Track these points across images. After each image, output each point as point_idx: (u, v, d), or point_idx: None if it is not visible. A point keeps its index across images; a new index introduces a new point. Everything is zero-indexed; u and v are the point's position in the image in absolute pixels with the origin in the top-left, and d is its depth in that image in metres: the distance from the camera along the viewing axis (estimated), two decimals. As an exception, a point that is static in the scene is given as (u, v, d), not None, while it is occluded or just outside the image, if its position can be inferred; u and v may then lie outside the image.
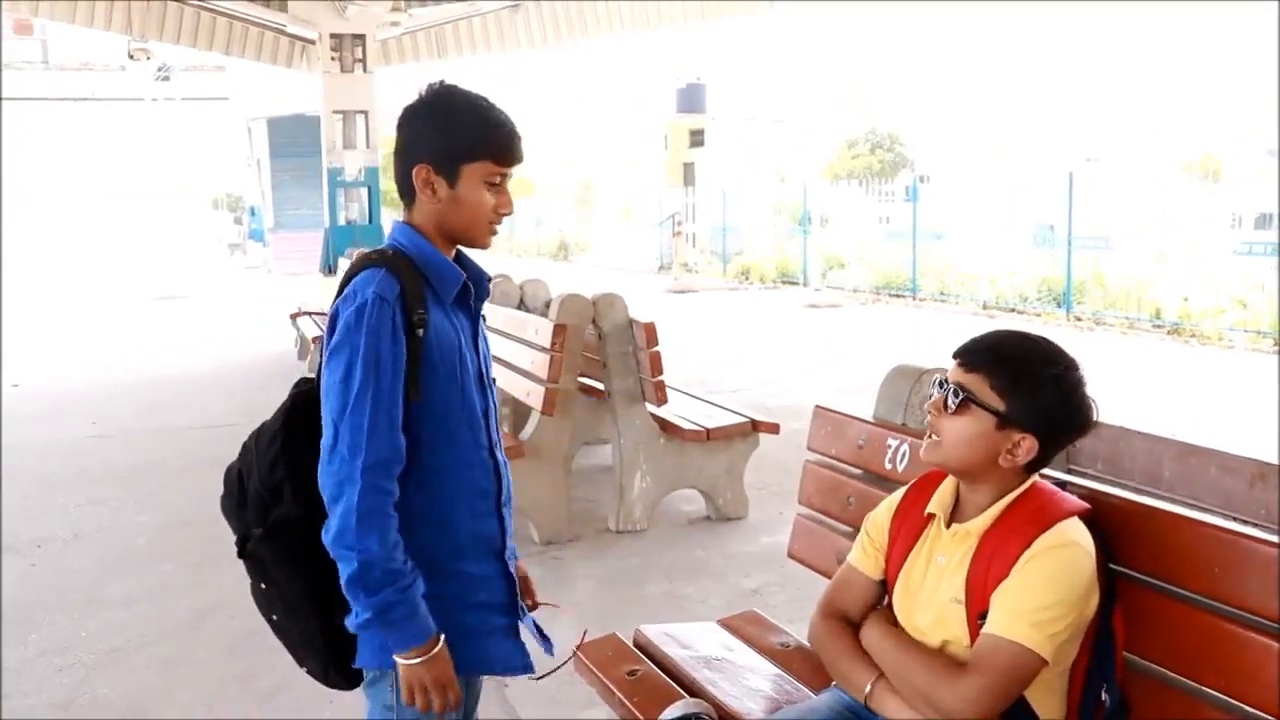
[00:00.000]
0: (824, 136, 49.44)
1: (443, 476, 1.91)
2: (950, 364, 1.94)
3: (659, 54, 45.93)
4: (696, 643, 2.65)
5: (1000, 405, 1.86)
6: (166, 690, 3.74)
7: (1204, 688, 1.77)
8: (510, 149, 1.92)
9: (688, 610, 4.31)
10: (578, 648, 2.53)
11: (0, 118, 39.64)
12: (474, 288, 2.00)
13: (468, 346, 1.96)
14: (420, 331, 1.84)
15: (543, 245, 34.30)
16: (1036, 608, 1.76)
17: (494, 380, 2.06)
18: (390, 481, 1.81)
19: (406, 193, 1.94)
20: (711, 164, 37.79)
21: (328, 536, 1.80)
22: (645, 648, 2.63)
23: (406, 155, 1.91)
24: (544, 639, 2.14)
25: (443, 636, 1.85)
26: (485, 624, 1.98)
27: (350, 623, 1.83)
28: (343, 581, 1.79)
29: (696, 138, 39.99)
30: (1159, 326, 13.13)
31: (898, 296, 18.13)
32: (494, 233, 1.97)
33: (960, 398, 1.88)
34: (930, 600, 1.93)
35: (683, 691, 2.35)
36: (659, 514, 5.51)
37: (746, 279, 22.97)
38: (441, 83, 1.94)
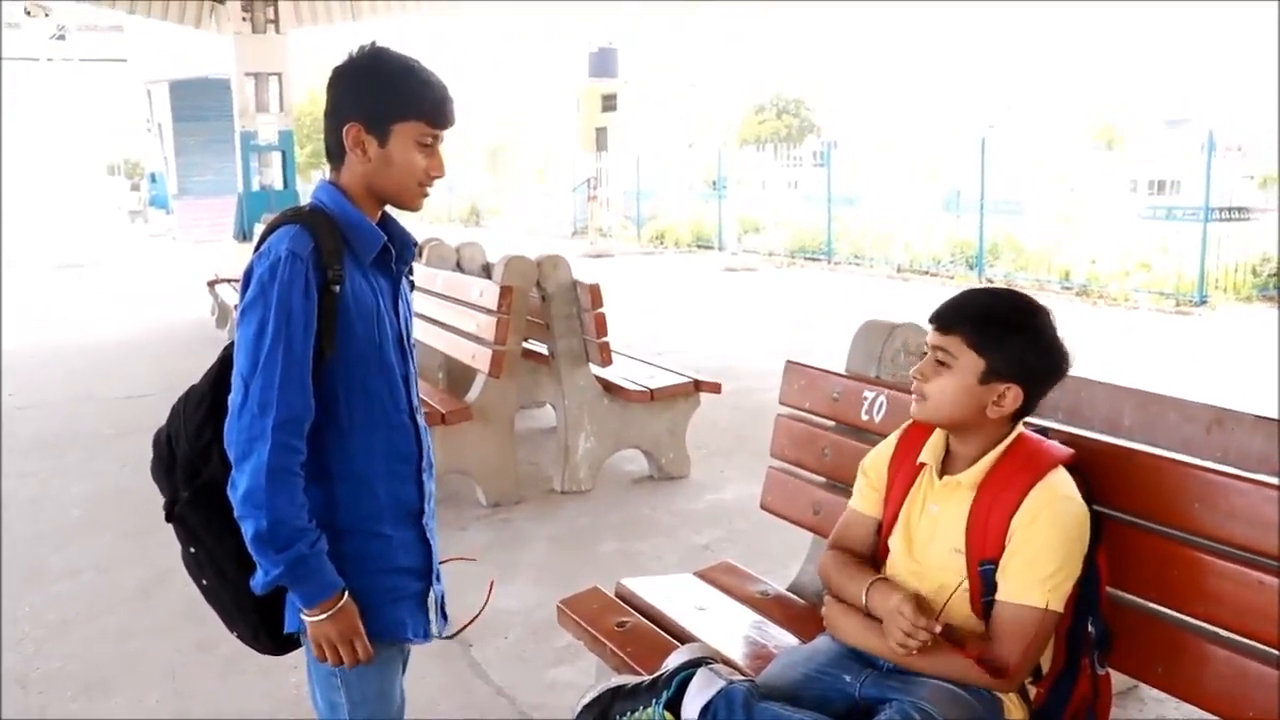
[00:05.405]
0: (732, 101, 49.59)
1: (360, 435, 1.91)
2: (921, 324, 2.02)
3: (571, 17, 45.52)
4: (678, 594, 2.71)
5: (979, 360, 1.95)
6: (124, 660, 3.69)
7: (1185, 616, 1.90)
8: (443, 110, 1.91)
9: (644, 567, 4.37)
10: (484, 604, 2.26)
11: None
12: (397, 251, 1.98)
13: (387, 309, 1.95)
14: (336, 288, 1.83)
15: (454, 210, 33.85)
16: (1048, 574, 1.87)
17: (414, 345, 2.06)
18: (300, 440, 1.81)
19: (335, 153, 1.91)
20: (625, 128, 37.60)
21: (235, 494, 1.79)
22: (629, 600, 2.67)
23: (336, 114, 1.89)
24: (443, 614, 2.10)
25: (347, 592, 1.86)
26: (401, 589, 1.98)
27: (258, 581, 1.82)
28: (249, 539, 1.79)
29: (609, 102, 39.66)
30: (1068, 288, 13.52)
31: (813, 260, 18.33)
32: (425, 195, 1.95)
33: (941, 359, 1.97)
34: (927, 547, 2.02)
35: (675, 641, 2.40)
36: (602, 474, 5.55)
37: (662, 243, 22.99)
38: (373, 43, 1.92)
